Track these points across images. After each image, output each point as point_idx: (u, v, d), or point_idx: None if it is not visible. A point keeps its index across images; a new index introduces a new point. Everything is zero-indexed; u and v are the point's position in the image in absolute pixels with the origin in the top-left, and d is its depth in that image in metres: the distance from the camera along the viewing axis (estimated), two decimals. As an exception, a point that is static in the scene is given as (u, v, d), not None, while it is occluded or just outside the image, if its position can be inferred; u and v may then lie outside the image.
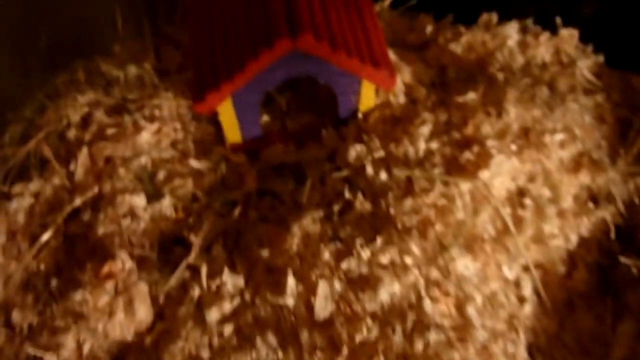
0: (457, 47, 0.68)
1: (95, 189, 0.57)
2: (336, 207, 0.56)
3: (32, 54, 0.60)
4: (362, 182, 0.58)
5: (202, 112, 0.57)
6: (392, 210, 0.54)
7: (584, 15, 0.71)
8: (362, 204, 0.55)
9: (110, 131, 0.59)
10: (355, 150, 0.59)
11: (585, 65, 0.67)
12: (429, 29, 0.71)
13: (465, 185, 0.55)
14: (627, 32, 0.68)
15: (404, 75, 0.65)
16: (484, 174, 0.55)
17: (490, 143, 0.57)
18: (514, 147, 0.57)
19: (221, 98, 0.56)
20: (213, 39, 0.58)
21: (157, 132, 0.61)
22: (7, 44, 0.66)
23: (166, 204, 0.56)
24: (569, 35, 0.68)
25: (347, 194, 0.56)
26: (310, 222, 0.53)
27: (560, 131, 0.58)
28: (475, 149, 0.57)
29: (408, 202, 0.54)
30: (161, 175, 0.58)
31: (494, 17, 0.70)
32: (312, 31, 0.50)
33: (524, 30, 0.70)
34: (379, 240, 0.52)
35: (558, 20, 0.68)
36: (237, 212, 0.55)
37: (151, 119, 0.61)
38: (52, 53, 0.61)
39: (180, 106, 0.65)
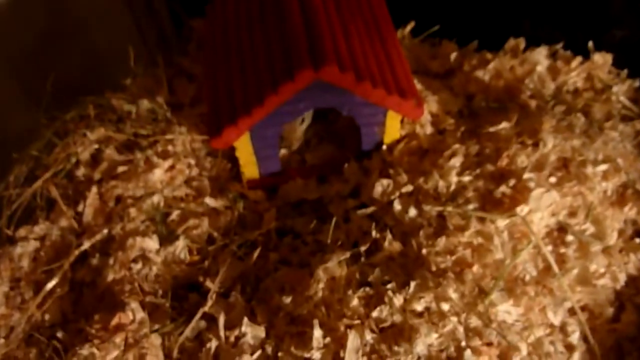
0: (484, 74, 0.64)
1: (105, 231, 0.53)
2: (363, 248, 0.52)
3: (41, 91, 0.58)
4: (390, 219, 0.54)
5: (218, 147, 0.54)
6: (424, 251, 0.50)
7: (616, 40, 0.68)
8: (390, 244, 0.51)
9: (121, 169, 0.56)
10: (381, 185, 0.55)
11: (621, 91, 0.63)
12: (453, 55, 0.68)
13: (502, 222, 0.51)
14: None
15: (430, 105, 0.61)
16: (522, 209, 0.51)
17: (527, 176, 0.53)
18: (553, 180, 0.53)
19: (239, 133, 0.53)
20: (230, 70, 0.55)
21: (170, 169, 0.58)
22: (15, 80, 0.64)
23: (180, 246, 0.52)
24: (602, 60, 0.65)
25: (374, 233, 0.52)
26: (335, 265, 0.49)
27: (601, 161, 0.54)
28: (512, 182, 0.53)
29: (441, 241, 0.50)
30: (175, 215, 0.55)
31: (522, 43, 0.67)
32: (336, 61, 0.47)
33: (553, 56, 0.67)
34: (412, 285, 0.47)
35: (590, 44, 0.65)
36: (256, 254, 0.51)
37: (164, 155, 0.58)
38: (61, 89, 0.59)
39: (194, 141, 0.62)
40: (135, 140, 0.59)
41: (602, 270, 0.52)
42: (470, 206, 0.52)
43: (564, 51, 0.67)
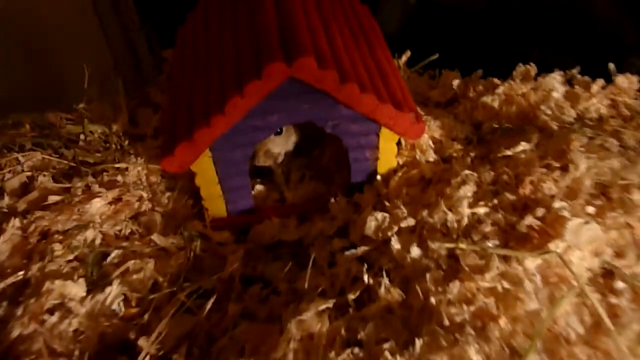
0: (492, 100, 0.56)
1: (20, 274, 0.41)
2: (351, 296, 0.39)
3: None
4: (387, 261, 0.42)
5: (171, 170, 0.43)
6: (432, 300, 0.38)
7: (636, 68, 0.60)
8: (388, 292, 0.39)
9: (53, 198, 0.45)
10: (374, 220, 0.44)
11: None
12: (456, 82, 0.60)
13: (533, 262, 0.39)
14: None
15: (432, 130, 0.52)
16: (557, 245, 0.39)
17: (558, 204, 0.42)
18: (590, 209, 0.42)
19: (196, 151, 0.43)
20: (193, 83, 0.46)
21: (115, 202, 0.47)
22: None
23: (113, 294, 0.40)
24: (626, 83, 0.56)
25: (366, 278, 0.40)
26: (313, 317, 0.37)
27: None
28: (539, 212, 0.42)
29: (455, 287, 0.38)
30: (113, 255, 0.43)
31: (533, 69, 0.59)
32: (314, 55, 0.38)
33: (569, 82, 0.59)
34: (418, 344, 0.35)
35: (612, 66, 0.57)
36: (209, 304, 0.39)
37: (110, 185, 0.48)
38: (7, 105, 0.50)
39: (151, 173, 0.51)
40: (77, 167, 0.49)
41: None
42: (490, 243, 0.41)
43: (580, 76, 0.59)
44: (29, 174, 0.48)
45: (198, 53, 0.49)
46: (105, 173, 0.49)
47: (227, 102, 0.39)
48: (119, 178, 0.49)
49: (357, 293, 0.40)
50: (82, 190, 0.46)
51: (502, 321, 0.36)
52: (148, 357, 0.35)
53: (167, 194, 0.50)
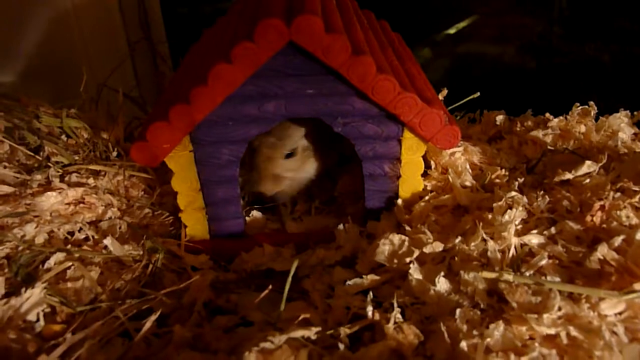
0: (545, 135, 0.46)
1: None
2: (346, 330, 0.28)
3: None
4: (403, 294, 0.31)
5: (142, 162, 0.35)
6: (464, 345, 0.26)
7: None
8: (399, 330, 0.27)
9: (4, 189, 0.38)
10: (390, 244, 0.34)
11: None
12: (500, 118, 0.51)
13: (611, 305, 0.27)
14: None
15: (470, 155, 0.42)
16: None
17: (631, 234, 0.30)
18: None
19: (172, 135, 0.34)
20: (186, 72, 0.40)
21: (75, 203, 0.39)
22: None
23: (32, 302, 0.30)
24: None
25: (370, 312, 0.29)
26: (284, 351, 0.25)
27: None
28: (616, 243, 0.30)
29: (497, 330, 0.26)
30: (53, 258, 0.34)
31: (592, 108, 0.50)
32: (316, 16, 0.31)
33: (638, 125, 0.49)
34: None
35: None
36: (146, 327, 0.28)
37: (76, 184, 0.40)
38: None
39: (133, 186, 0.44)
40: (43, 163, 0.42)
41: None
42: (550, 277, 0.29)
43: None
44: (-9, 163, 0.41)
45: (202, 51, 0.44)
46: (75, 174, 0.42)
47: (212, 69, 0.32)
48: (91, 181, 0.41)
49: (355, 328, 0.28)
50: (39, 184, 0.39)
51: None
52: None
53: (146, 210, 0.42)
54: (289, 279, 0.29)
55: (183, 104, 0.33)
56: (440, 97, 0.56)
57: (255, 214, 0.44)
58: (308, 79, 0.34)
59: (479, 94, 0.55)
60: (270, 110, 0.35)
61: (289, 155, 0.41)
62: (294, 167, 0.42)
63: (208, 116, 0.34)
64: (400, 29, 0.51)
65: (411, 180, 0.39)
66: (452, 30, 0.78)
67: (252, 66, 0.32)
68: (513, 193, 0.35)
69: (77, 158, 0.44)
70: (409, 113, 0.34)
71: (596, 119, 0.49)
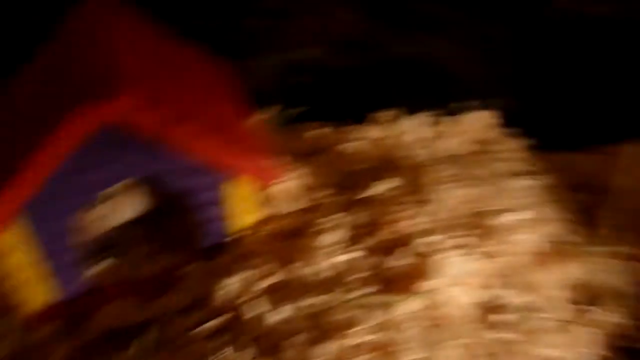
0: (357, 147, 0.52)
1: None
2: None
3: None
4: (247, 329, 0.35)
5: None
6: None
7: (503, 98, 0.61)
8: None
9: None
10: (230, 284, 0.37)
11: (510, 149, 0.54)
12: (318, 132, 0.57)
13: (407, 306, 0.35)
14: (553, 112, 0.59)
15: (291, 180, 0.47)
16: (432, 284, 0.36)
17: (423, 240, 0.38)
18: (461, 241, 0.39)
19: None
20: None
21: None
22: None
23: None
24: (485, 119, 0.56)
25: (228, 352, 0.33)
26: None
27: (517, 210, 0.42)
28: (403, 252, 0.38)
29: (330, 348, 0.32)
30: None
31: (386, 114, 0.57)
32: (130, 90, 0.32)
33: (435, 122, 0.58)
34: None
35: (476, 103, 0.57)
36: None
37: None
38: None
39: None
40: None
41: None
42: (359, 292, 0.36)
43: (435, 116, 0.58)
44: None
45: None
46: None
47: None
48: None
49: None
50: None
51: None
52: None
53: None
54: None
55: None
56: (270, 113, 0.60)
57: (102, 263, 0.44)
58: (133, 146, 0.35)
59: (305, 108, 0.59)
60: (99, 178, 0.36)
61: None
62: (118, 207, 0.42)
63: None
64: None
65: (243, 214, 0.42)
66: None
67: (63, 146, 0.32)
68: (335, 218, 0.41)
69: None
70: (228, 162, 0.38)
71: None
